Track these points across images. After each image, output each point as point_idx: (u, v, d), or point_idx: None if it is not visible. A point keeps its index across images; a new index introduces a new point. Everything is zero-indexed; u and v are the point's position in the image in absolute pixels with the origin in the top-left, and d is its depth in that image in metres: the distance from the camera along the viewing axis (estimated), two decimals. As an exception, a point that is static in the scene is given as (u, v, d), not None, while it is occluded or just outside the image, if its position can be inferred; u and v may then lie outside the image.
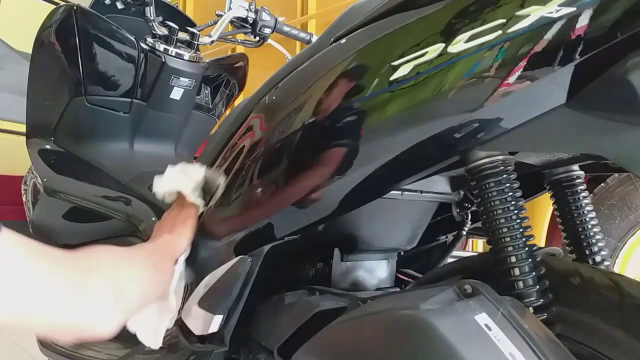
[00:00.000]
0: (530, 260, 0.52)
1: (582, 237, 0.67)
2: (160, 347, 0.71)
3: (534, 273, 0.52)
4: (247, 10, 1.40)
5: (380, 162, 0.53)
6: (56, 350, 1.11)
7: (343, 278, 0.75)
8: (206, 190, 0.80)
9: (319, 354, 0.52)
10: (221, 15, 1.36)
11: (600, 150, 0.43)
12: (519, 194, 0.54)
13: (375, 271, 0.80)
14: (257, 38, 1.48)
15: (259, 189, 0.66)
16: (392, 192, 0.66)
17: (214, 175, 0.78)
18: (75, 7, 1.22)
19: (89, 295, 0.49)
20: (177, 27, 1.33)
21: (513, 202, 0.53)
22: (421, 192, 0.72)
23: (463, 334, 0.41)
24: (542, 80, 0.43)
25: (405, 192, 0.70)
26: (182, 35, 1.36)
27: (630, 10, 0.39)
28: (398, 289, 0.81)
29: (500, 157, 0.53)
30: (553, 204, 0.70)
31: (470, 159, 0.53)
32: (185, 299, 0.81)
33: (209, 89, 1.54)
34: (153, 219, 1.11)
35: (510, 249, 0.52)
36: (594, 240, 0.67)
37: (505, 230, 0.52)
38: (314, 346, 0.53)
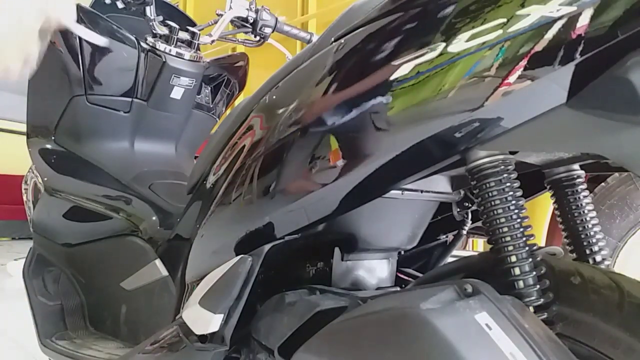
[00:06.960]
0: (530, 259, 0.52)
1: (583, 236, 0.67)
2: (161, 347, 0.72)
3: (534, 272, 0.52)
4: (247, 9, 1.40)
5: (380, 162, 0.53)
6: (57, 349, 1.11)
7: (343, 277, 0.75)
8: None
9: (320, 353, 0.52)
10: (221, 15, 1.36)
11: (600, 150, 0.43)
12: (519, 193, 0.54)
13: (376, 270, 0.80)
14: (258, 37, 1.48)
15: (260, 189, 0.66)
16: (392, 191, 0.66)
17: None
18: (75, 7, 1.22)
19: None
20: (177, 26, 1.33)
21: (513, 202, 0.53)
22: (421, 191, 0.72)
23: (463, 334, 0.41)
24: (543, 80, 0.43)
25: (406, 192, 0.70)
26: (183, 35, 1.36)
27: (630, 10, 0.39)
28: (398, 289, 0.81)
29: (501, 157, 0.53)
30: (553, 203, 0.70)
31: (471, 159, 0.53)
32: (185, 298, 0.81)
33: (209, 88, 1.54)
34: (154, 218, 1.11)
35: (510, 248, 0.52)
36: (594, 240, 0.67)
37: (505, 229, 0.52)
38: (314, 346, 0.53)
